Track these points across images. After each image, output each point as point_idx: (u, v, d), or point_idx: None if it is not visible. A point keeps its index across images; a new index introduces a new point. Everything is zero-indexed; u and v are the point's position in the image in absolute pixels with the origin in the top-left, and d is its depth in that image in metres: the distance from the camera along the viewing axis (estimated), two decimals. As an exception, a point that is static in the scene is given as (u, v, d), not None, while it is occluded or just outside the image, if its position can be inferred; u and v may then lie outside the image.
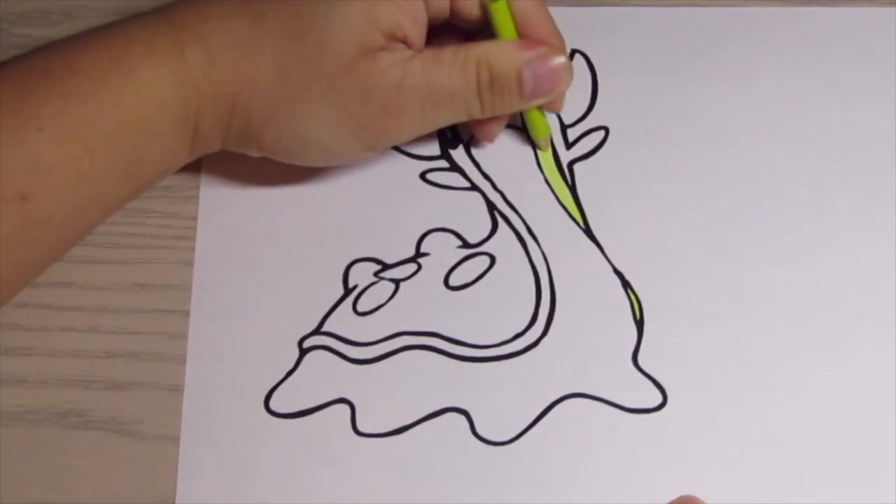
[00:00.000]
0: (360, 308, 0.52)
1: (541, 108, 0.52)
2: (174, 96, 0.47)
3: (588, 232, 0.53)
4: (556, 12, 0.56)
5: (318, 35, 0.47)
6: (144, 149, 0.48)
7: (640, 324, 0.51)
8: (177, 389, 0.51)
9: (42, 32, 0.56)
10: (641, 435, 0.50)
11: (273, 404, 0.50)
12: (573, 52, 0.56)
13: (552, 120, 0.55)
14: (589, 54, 0.55)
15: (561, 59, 0.49)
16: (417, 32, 0.48)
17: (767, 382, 0.50)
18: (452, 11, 0.50)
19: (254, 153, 0.50)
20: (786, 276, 0.52)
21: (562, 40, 0.50)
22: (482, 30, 0.50)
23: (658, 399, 0.50)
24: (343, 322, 0.52)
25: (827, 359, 0.51)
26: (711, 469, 0.49)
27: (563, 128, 0.54)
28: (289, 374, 0.51)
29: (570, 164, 0.54)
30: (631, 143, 0.54)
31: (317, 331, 0.52)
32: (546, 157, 0.54)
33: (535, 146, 0.54)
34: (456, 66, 0.48)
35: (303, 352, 0.51)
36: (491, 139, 0.53)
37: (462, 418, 0.50)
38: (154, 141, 0.48)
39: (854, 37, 0.55)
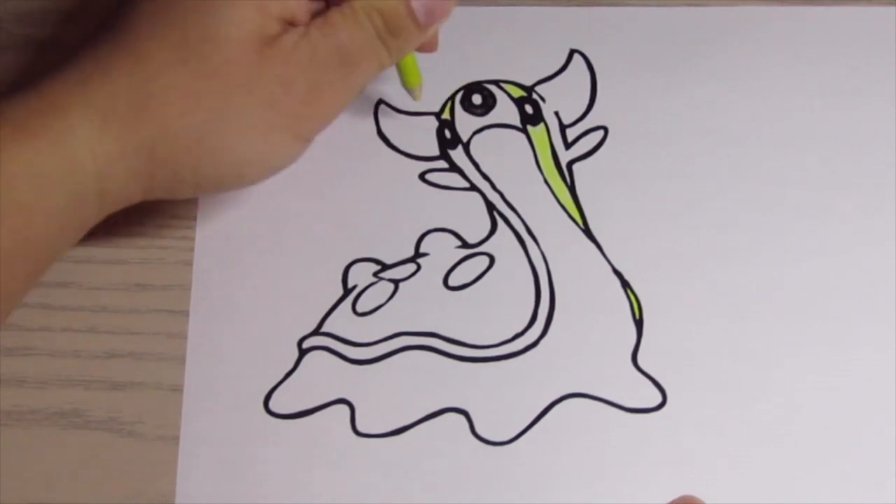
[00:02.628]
0: (359, 308, 0.52)
1: (413, 54, 0.51)
2: (58, 173, 0.44)
3: (587, 232, 0.53)
4: (556, 12, 0.56)
5: (214, 46, 0.45)
6: (31, 230, 0.44)
7: (639, 324, 0.51)
8: (176, 390, 0.51)
9: (42, 32, 0.56)
10: (641, 435, 0.50)
11: (272, 405, 0.50)
12: (573, 51, 0.56)
13: (552, 120, 0.55)
14: (588, 54, 0.55)
15: None
16: (304, 9, 0.47)
17: (767, 382, 0.50)
18: None
19: (186, 195, 0.48)
20: (786, 276, 0.52)
21: None
22: None
23: (657, 399, 0.50)
24: (342, 322, 0.52)
25: (827, 359, 0.51)
26: (711, 469, 0.49)
27: (563, 127, 0.54)
28: (288, 374, 0.51)
29: (570, 163, 0.54)
30: (630, 142, 0.54)
31: (316, 331, 0.52)
32: (545, 157, 0.54)
33: (534, 147, 0.54)
34: (349, 22, 0.46)
35: (302, 352, 0.51)
36: (433, 49, 0.52)
37: (462, 418, 0.50)
38: (41, 219, 0.44)
39: (854, 37, 0.55)
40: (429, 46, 0.51)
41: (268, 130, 0.46)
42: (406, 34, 0.47)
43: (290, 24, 0.46)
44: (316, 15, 0.47)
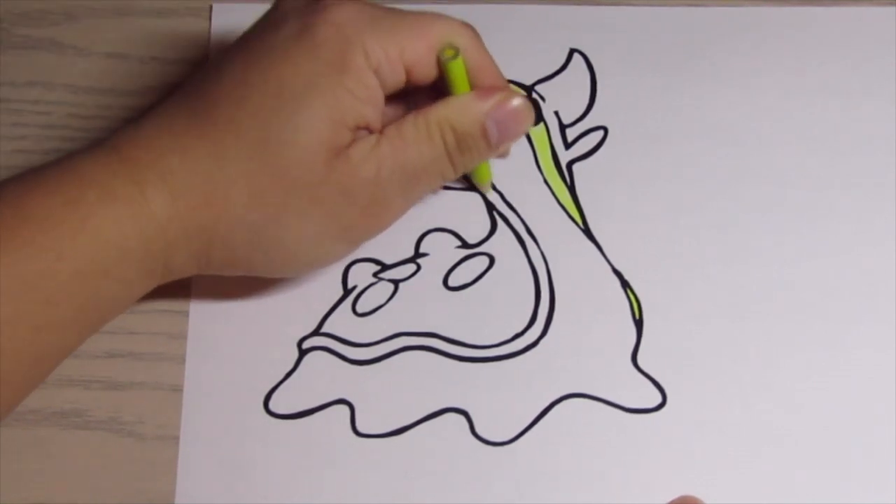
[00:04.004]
0: (359, 309, 0.52)
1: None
2: (136, 240, 0.45)
3: (587, 232, 0.53)
4: (556, 11, 0.56)
5: (287, 149, 0.45)
6: (106, 294, 0.46)
7: (639, 324, 0.51)
8: (177, 389, 0.51)
9: (42, 32, 0.56)
10: (641, 435, 0.50)
11: (272, 405, 0.50)
12: (573, 51, 0.56)
13: (551, 120, 0.54)
14: (588, 54, 0.55)
15: (519, 101, 0.48)
16: (377, 115, 0.47)
17: (767, 382, 0.50)
18: (407, 80, 0.48)
19: (240, 274, 0.49)
20: (786, 276, 0.52)
21: (507, 84, 0.50)
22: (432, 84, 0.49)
23: (657, 399, 0.50)
24: (342, 323, 0.52)
25: (827, 359, 0.51)
26: (711, 469, 0.49)
27: (562, 127, 0.54)
28: (288, 374, 0.51)
29: (569, 164, 0.54)
30: (630, 142, 0.54)
31: (316, 331, 0.52)
32: (545, 157, 0.54)
33: (534, 147, 0.54)
34: (421, 137, 0.47)
35: (302, 352, 0.51)
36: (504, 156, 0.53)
37: (461, 418, 0.50)
38: (116, 285, 0.46)
39: (854, 37, 0.55)
40: (499, 156, 0.53)
41: (323, 236, 0.47)
42: (476, 152, 0.48)
43: (365, 129, 0.47)
44: (392, 117, 0.49)
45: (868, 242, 0.52)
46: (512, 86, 0.55)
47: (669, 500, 0.49)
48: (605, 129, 0.54)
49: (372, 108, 0.47)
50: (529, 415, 0.50)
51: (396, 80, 0.47)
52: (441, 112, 0.47)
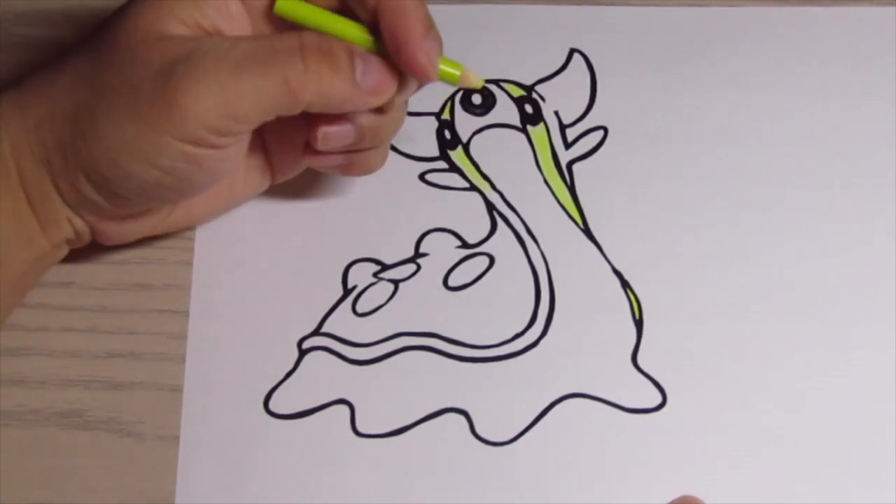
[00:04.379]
0: (359, 309, 0.52)
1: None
2: None
3: (587, 232, 0.53)
4: (556, 11, 0.56)
5: (109, 33, 0.45)
6: None
7: (639, 324, 0.51)
8: (177, 389, 0.51)
9: (42, 32, 0.56)
10: (641, 435, 0.50)
11: (272, 405, 0.50)
12: (573, 51, 0.55)
13: (552, 120, 0.55)
14: (588, 54, 0.55)
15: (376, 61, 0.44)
16: (235, 29, 0.45)
17: (767, 382, 0.50)
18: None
19: (92, 198, 0.46)
20: (786, 276, 0.52)
21: (432, 38, 0.45)
22: None
23: (657, 399, 0.50)
24: (342, 323, 0.52)
25: (827, 359, 0.51)
26: (711, 469, 0.49)
27: (562, 127, 0.54)
28: (288, 374, 0.51)
29: (569, 164, 0.54)
30: (630, 142, 0.54)
31: (316, 332, 0.52)
32: (545, 157, 0.54)
33: (534, 147, 0.54)
34: (277, 33, 0.44)
35: (302, 353, 0.51)
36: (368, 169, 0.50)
37: (462, 419, 0.50)
38: None
39: (854, 37, 0.55)
40: (382, 111, 0.47)
41: (133, 119, 0.43)
42: (335, 69, 0.44)
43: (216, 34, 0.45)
44: None
45: (868, 242, 0.52)
46: (507, 88, 0.55)
47: (669, 500, 0.49)
48: (605, 129, 0.54)
49: (218, 13, 0.44)
50: (529, 415, 0.50)
51: (258, 3, 0.45)
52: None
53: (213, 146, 0.44)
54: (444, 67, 0.46)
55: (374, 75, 0.44)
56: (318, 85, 0.44)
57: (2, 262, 0.46)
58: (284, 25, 0.46)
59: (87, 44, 0.46)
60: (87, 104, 0.44)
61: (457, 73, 0.46)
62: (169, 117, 0.43)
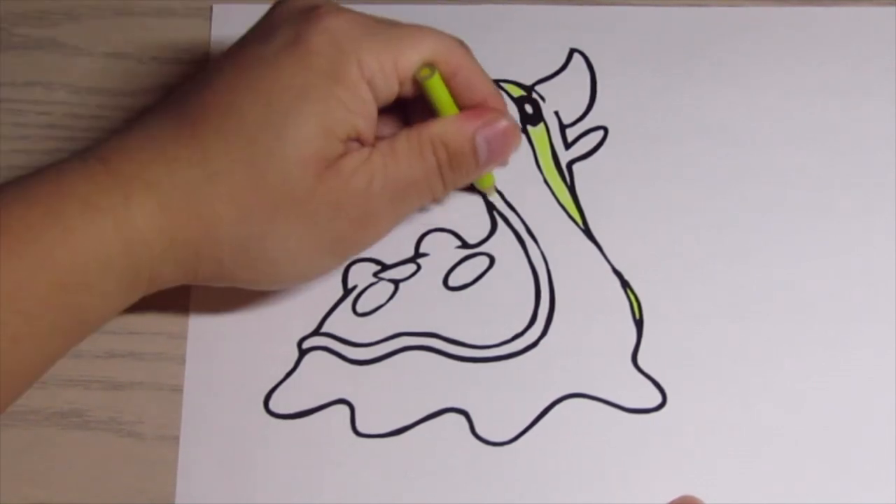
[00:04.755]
0: (359, 309, 0.52)
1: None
2: (119, 253, 0.44)
3: (587, 232, 0.53)
4: (556, 11, 0.56)
5: (276, 162, 0.45)
6: (85, 307, 0.45)
7: (639, 324, 0.51)
8: (177, 389, 0.51)
9: (42, 32, 0.57)
10: (641, 435, 0.50)
11: (272, 405, 0.50)
12: (573, 51, 0.55)
13: (552, 120, 0.54)
14: (588, 54, 0.55)
15: (506, 122, 0.49)
16: (370, 127, 0.47)
17: (767, 382, 0.50)
18: (400, 92, 0.48)
19: (225, 286, 0.48)
20: (786, 276, 0.52)
21: (500, 97, 0.50)
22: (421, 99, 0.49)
23: (657, 399, 0.50)
24: (342, 323, 0.52)
25: (827, 359, 0.51)
26: (711, 469, 0.49)
27: (562, 127, 0.54)
28: (288, 374, 0.51)
29: (569, 164, 0.54)
30: (630, 142, 0.54)
31: (316, 331, 0.52)
32: (545, 157, 0.54)
33: (534, 147, 0.54)
34: (413, 154, 0.47)
35: (302, 352, 0.51)
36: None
37: (462, 419, 0.50)
38: (97, 298, 0.45)
39: (854, 37, 0.55)
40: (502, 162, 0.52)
41: (310, 250, 0.47)
42: (465, 170, 0.49)
43: (357, 140, 0.47)
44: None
45: (868, 242, 0.52)
46: (506, 88, 0.55)
47: (669, 500, 0.49)
48: (605, 129, 0.54)
49: (364, 119, 0.46)
50: (529, 415, 0.50)
51: (389, 91, 0.47)
52: (434, 129, 0.48)
53: None
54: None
55: (495, 152, 0.49)
56: (453, 187, 0.50)
57: (87, 335, 0.47)
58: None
59: (230, 153, 0.45)
60: (257, 238, 0.46)
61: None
62: (353, 249, 0.49)
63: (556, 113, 0.55)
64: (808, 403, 0.50)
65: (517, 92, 0.55)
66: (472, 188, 0.53)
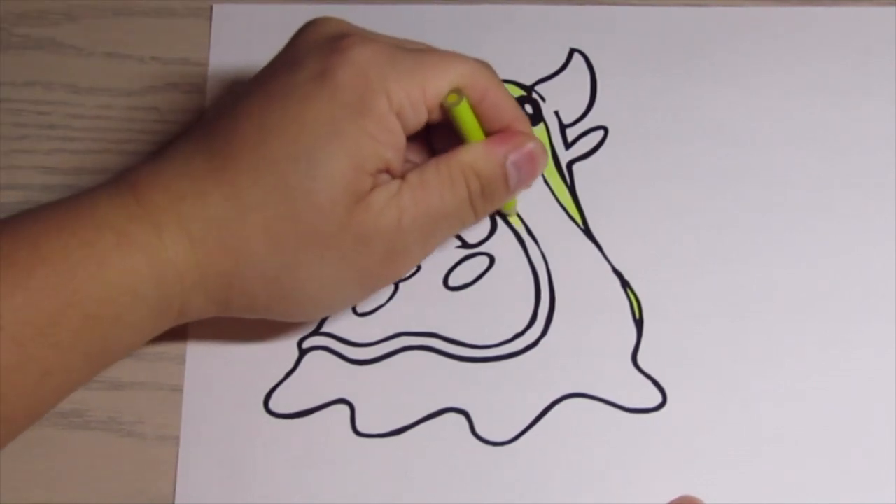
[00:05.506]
0: (359, 308, 0.52)
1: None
2: (152, 286, 0.45)
3: (587, 232, 0.53)
4: (556, 11, 0.56)
5: (306, 197, 0.45)
6: (114, 338, 0.45)
7: (639, 323, 0.51)
8: (177, 389, 0.51)
9: (42, 32, 0.56)
10: (641, 435, 0.50)
11: (272, 405, 0.50)
12: (573, 51, 0.55)
13: (552, 119, 0.54)
14: (588, 54, 0.55)
15: (534, 144, 0.49)
16: (399, 158, 0.47)
17: (767, 382, 0.50)
18: (428, 120, 0.47)
19: (259, 317, 0.48)
20: (786, 276, 0.52)
21: (525, 118, 0.49)
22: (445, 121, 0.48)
23: (658, 399, 0.50)
24: (342, 322, 0.52)
25: (827, 358, 0.51)
26: (711, 469, 0.49)
27: (563, 127, 0.54)
28: (288, 374, 0.51)
29: (569, 163, 0.54)
30: (630, 142, 0.54)
31: (316, 331, 0.52)
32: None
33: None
34: (445, 185, 0.47)
35: (302, 352, 0.51)
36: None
37: (462, 418, 0.50)
38: (126, 330, 0.45)
39: (854, 37, 0.55)
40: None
41: (340, 282, 0.47)
42: (497, 197, 0.49)
43: (385, 171, 0.46)
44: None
45: (868, 242, 0.52)
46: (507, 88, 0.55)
47: (669, 500, 0.49)
48: (605, 129, 0.54)
49: (393, 151, 0.46)
50: (529, 415, 0.50)
51: (418, 120, 0.47)
52: (465, 158, 0.47)
53: None
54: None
55: (524, 176, 0.49)
56: (484, 215, 0.49)
57: (112, 363, 0.47)
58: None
59: (261, 187, 0.45)
60: (288, 270, 0.46)
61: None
62: (382, 282, 0.49)
63: (557, 113, 0.55)
64: (808, 403, 0.50)
65: (517, 92, 0.55)
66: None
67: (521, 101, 0.55)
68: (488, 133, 0.48)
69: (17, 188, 0.54)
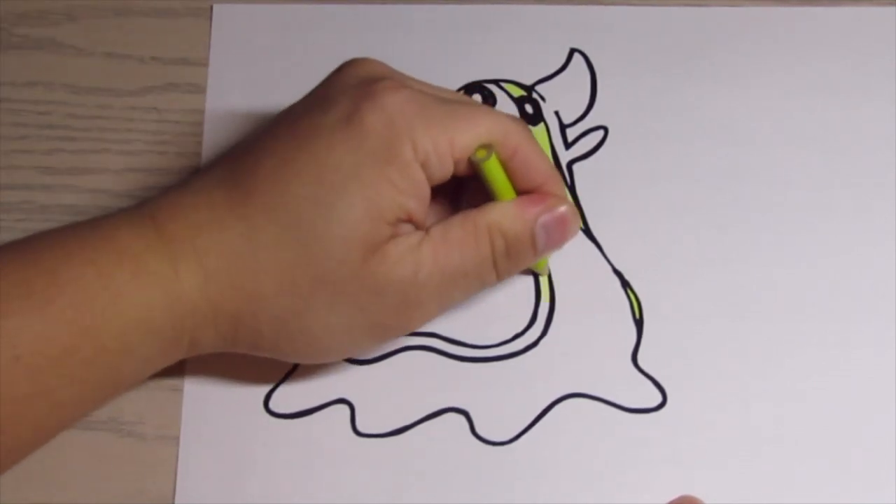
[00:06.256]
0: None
1: None
2: (164, 319, 0.44)
3: (587, 232, 0.53)
4: (556, 11, 0.56)
5: (322, 241, 0.44)
6: (124, 370, 0.45)
7: (639, 323, 0.51)
8: (177, 389, 0.51)
9: (42, 32, 0.56)
10: (641, 435, 0.50)
11: (272, 404, 0.50)
12: (573, 51, 0.55)
13: (552, 119, 0.54)
14: (588, 53, 0.55)
15: (566, 208, 0.47)
16: (423, 208, 0.46)
17: (767, 382, 0.50)
18: (455, 174, 0.47)
19: (266, 356, 0.48)
20: (786, 276, 0.52)
21: (559, 179, 0.48)
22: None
23: (658, 399, 0.50)
24: (342, 322, 0.52)
25: (827, 358, 0.51)
26: (711, 469, 0.49)
27: (562, 127, 0.54)
28: (288, 374, 0.51)
29: (570, 164, 0.54)
30: (630, 142, 0.54)
31: (316, 331, 0.52)
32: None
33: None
34: (468, 241, 0.46)
35: (302, 352, 0.51)
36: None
37: (462, 418, 0.50)
38: (136, 363, 0.45)
39: (854, 37, 0.55)
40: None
41: (350, 330, 0.46)
42: (522, 259, 0.47)
43: (406, 221, 0.46)
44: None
45: (868, 242, 0.52)
46: (507, 88, 0.55)
47: (669, 500, 0.49)
48: (605, 129, 0.54)
49: (416, 201, 0.45)
50: (529, 415, 0.50)
51: (444, 172, 0.46)
52: (491, 216, 0.46)
53: None
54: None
55: (553, 240, 0.47)
56: (507, 276, 0.48)
57: (121, 393, 0.48)
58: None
59: (277, 225, 0.45)
60: (298, 313, 0.45)
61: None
62: (394, 334, 0.48)
63: (557, 113, 0.55)
64: (808, 403, 0.50)
65: (517, 92, 0.55)
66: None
67: (521, 101, 0.55)
68: (520, 192, 0.47)
69: (17, 188, 0.54)
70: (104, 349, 0.44)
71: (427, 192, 0.45)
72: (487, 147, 0.46)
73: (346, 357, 0.50)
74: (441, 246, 0.45)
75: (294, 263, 0.44)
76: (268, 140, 0.46)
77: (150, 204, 0.46)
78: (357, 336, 0.46)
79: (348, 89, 0.46)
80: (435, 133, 0.45)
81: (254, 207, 0.45)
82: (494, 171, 0.46)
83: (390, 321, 0.46)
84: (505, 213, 0.46)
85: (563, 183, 0.48)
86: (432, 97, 0.46)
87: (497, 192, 0.47)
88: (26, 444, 0.45)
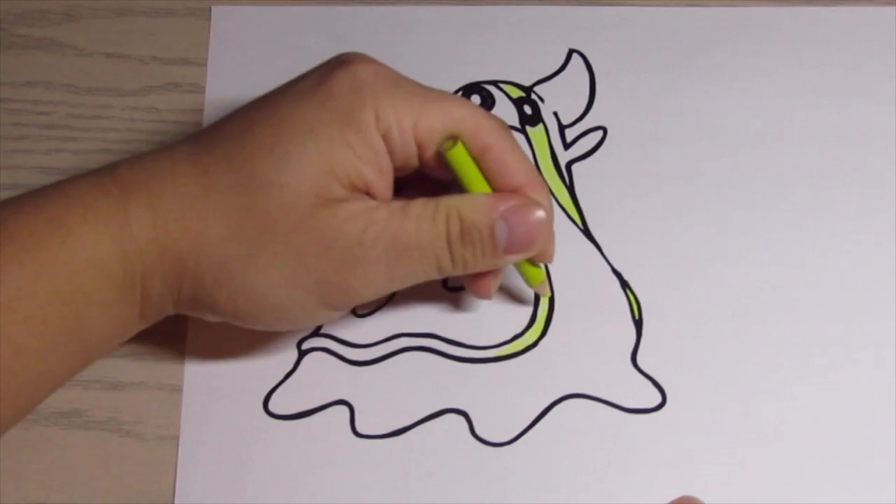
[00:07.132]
0: (358, 309, 0.52)
1: (531, 259, 0.49)
2: (117, 261, 0.44)
3: (586, 232, 0.53)
4: (555, 12, 0.56)
5: (271, 188, 0.44)
6: (86, 317, 0.45)
7: (638, 324, 0.51)
8: (176, 390, 0.51)
9: (42, 32, 0.56)
10: (641, 435, 0.50)
11: (272, 406, 0.50)
12: (572, 51, 0.55)
13: (551, 120, 0.54)
14: (587, 54, 0.55)
15: (538, 214, 0.46)
16: (383, 183, 0.46)
17: (766, 382, 0.50)
18: (422, 162, 0.46)
19: (209, 318, 0.47)
20: (785, 276, 0.52)
21: (544, 186, 0.47)
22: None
23: (657, 399, 0.50)
24: (342, 323, 0.52)
25: (827, 359, 0.51)
26: (711, 469, 0.49)
27: (562, 128, 0.54)
28: (288, 375, 0.51)
29: (569, 164, 0.54)
30: (629, 143, 0.54)
31: (316, 332, 0.52)
32: (544, 157, 0.54)
33: (533, 148, 0.54)
34: (425, 217, 0.45)
35: (302, 353, 0.51)
36: (484, 296, 0.49)
37: (461, 419, 0.50)
38: (97, 308, 0.45)
39: (854, 37, 0.55)
40: (543, 257, 0.49)
41: (294, 286, 0.45)
42: (478, 250, 0.46)
43: (366, 192, 0.45)
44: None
45: (868, 242, 0.52)
46: (506, 89, 0.55)
47: (669, 500, 0.49)
48: (605, 130, 0.54)
49: (375, 172, 0.45)
50: (529, 415, 0.50)
51: (406, 152, 0.46)
52: (453, 200, 0.46)
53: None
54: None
55: (517, 241, 0.46)
56: (464, 266, 0.46)
57: (91, 354, 0.47)
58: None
59: (232, 173, 0.45)
60: (242, 261, 0.45)
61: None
62: (339, 297, 0.46)
63: (556, 113, 0.55)
64: (808, 403, 0.50)
65: (516, 92, 0.55)
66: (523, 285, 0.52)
67: (520, 101, 0.55)
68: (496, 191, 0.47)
69: (17, 188, 0.54)
70: (59, 292, 0.44)
71: (388, 166, 0.46)
72: (454, 137, 0.46)
73: (285, 328, 0.50)
74: (398, 214, 0.45)
75: (243, 207, 0.45)
76: (241, 108, 0.47)
77: (116, 163, 0.46)
78: (298, 295, 0.46)
79: (323, 65, 0.47)
80: (401, 108, 0.45)
81: (212, 157, 0.45)
82: (461, 162, 0.46)
83: (333, 279, 0.45)
84: (468, 200, 0.46)
85: (546, 189, 0.47)
86: (411, 81, 0.46)
87: (467, 184, 0.46)
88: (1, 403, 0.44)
